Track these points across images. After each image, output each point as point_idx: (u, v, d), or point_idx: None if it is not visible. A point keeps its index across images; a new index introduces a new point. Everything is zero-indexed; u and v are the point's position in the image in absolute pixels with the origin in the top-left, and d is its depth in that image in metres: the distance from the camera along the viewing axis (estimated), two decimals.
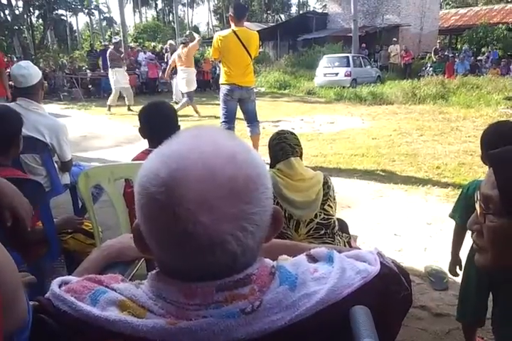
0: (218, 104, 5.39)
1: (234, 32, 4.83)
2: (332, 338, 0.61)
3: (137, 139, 6.33)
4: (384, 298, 0.67)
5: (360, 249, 2.20)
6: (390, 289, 0.69)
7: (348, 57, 15.72)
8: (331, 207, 1.96)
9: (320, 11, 36.21)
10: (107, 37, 32.54)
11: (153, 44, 20.30)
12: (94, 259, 0.96)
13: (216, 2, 51.31)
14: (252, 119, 5.24)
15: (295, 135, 2.05)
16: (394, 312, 0.72)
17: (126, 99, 10.10)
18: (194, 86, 9.28)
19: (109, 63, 10.02)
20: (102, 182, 1.75)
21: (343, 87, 13.49)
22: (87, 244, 2.00)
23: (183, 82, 9.07)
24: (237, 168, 0.56)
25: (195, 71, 9.33)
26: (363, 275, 0.65)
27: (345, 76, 14.72)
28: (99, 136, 7.67)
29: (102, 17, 29.06)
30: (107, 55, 10.05)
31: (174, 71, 9.99)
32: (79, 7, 21.91)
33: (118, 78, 9.85)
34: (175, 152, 0.58)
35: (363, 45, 19.34)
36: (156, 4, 51.93)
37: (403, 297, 0.72)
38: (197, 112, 9.41)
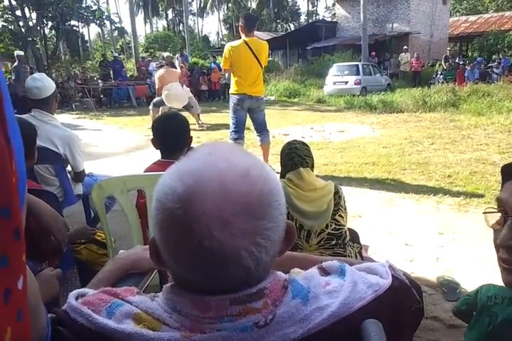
0: (228, 113, 5.42)
1: (245, 42, 4.87)
2: None
3: (147, 148, 6.39)
4: (396, 311, 0.68)
5: (371, 259, 2.19)
6: (401, 302, 0.69)
7: (357, 65, 15.75)
8: (342, 217, 1.95)
9: (329, 19, 36.31)
10: (118, 47, 32.97)
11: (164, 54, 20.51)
12: (109, 271, 0.98)
13: (226, 12, 51.80)
14: (261, 129, 5.27)
15: (307, 145, 2.05)
16: (406, 325, 0.73)
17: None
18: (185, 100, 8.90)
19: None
20: (115, 193, 1.77)
21: (353, 96, 13.51)
22: (100, 254, 2.01)
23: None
24: (250, 184, 0.58)
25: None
26: (374, 289, 0.66)
27: (355, 84, 14.74)
28: (110, 145, 7.74)
29: (113, 27, 29.47)
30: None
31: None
32: (90, 18, 22.24)
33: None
34: (191, 169, 0.59)
35: (373, 53, 19.37)
36: (167, 14, 52.56)
37: (415, 310, 0.72)
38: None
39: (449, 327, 2.14)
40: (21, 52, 11.76)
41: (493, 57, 20.73)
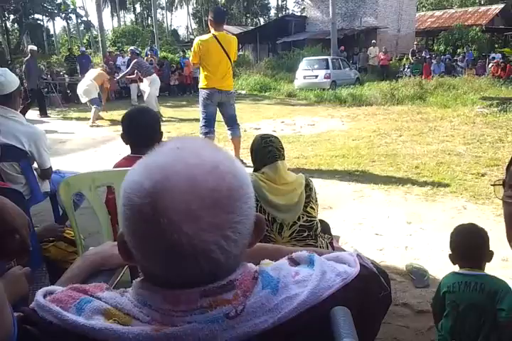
0: (198, 108, 5.38)
1: (214, 36, 4.85)
2: (314, 339, 0.63)
3: (116, 144, 6.29)
4: (364, 298, 0.69)
5: (342, 249, 2.23)
6: (369, 289, 0.71)
7: (327, 59, 15.84)
8: (314, 209, 1.98)
9: (299, 14, 36.36)
10: (84, 41, 32.16)
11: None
12: (78, 268, 0.96)
13: (195, 6, 51.21)
14: (232, 122, 5.26)
15: (278, 138, 2.07)
16: (374, 311, 0.74)
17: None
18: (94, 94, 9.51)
19: (141, 72, 9.53)
20: (83, 189, 1.74)
21: (323, 89, 13.61)
22: (69, 252, 1.98)
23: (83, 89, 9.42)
24: (220, 178, 0.58)
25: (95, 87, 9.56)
26: (342, 277, 0.67)
27: (325, 78, 14.83)
28: (78, 141, 7.58)
29: (79, 21, 28.74)
30: (135, 64, 9.53)
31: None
32: (55, 11, 21.66)
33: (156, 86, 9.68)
34: (159, 164, 0.59)
35: (342, 47, 19.54)
36: (135, 8, 51.57)
37: (383, 296, 0.74)
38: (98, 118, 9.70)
39: (418, 312, 2.21)
40: (34, 47, 11.46)
41: (458, 51, 21.24)
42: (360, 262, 0.72)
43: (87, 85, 9.36)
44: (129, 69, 9.88)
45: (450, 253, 1.77)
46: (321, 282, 0.64)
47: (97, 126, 9.33)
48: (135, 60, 9.53)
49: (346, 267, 0.70)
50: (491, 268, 2.42)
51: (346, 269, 0.69)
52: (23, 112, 10.40)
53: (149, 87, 9.48)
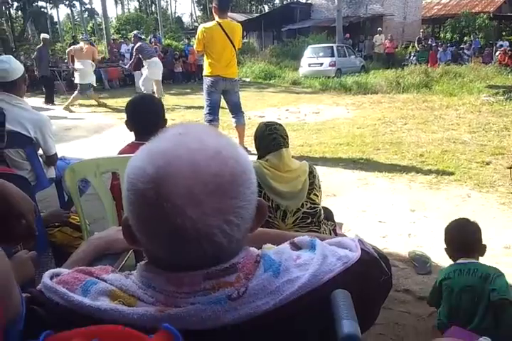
0: (202, 95, 5.37)
1: (218, 24, 4.82)
2: (314, 321, 0.64)
3: (120, 131, 6.29)
4: (364, 282, 0.70)
5: (345, 236, 2.24)
6: (370, 274, 0.72)
7: (332, 47, 15.70)
8: (317, 196, 1.99)
9: (303, 1, 35.87)
10: (89, 28, 31.98)
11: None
12: (83, 252, 0.98)
13: None
14: (236, 110, 5.25)
15: (283, 126, 2.07)
16: (374, 295, 0.75)
17: (156, 92, 9.40)
18: (90, 79, 9.45)
19: (142, 55, 9.31)
20: (88, 176, 1.76)
21: (328, 77, 13.50)
22: (75, 237, 2.00)
23: (77, 73, 9.41)
24: (222, 163, 0.58)
25: (92, 64, 9.42)
26: (343, 261, 0.67)
27: (330, 66, 14.71)
28: (83, 128, 7.59)
29: (83, 8, 28.57)
30: (137, 48, 9.36)
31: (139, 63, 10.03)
32: None
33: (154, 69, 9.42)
34: (162, 149, 0.59)
35: (347, 35, 19.33)
36: None
37: (383, 281, 0.75)
38: (99, 103, 9.86)
39: (419, 298, 2.23)
40: (47, 35, 11.50)
41: (465, 38, 20.97)
42: (362, 247, 0.72)
43: (86, 66, 9.17)
44: (134, 56, 9.76)
45: (445, 247, 1.82)
46: (322, 266, 0.65)
47: (70, 111, 9.39)
48: (137, 44, 9.42)
49: (347, 252, 0.71)
50: (493, 256, 2.44)
51: (347, 253, 0.70)
52: (50, 97, 10.55)
53: (147, 69, 9.33)
